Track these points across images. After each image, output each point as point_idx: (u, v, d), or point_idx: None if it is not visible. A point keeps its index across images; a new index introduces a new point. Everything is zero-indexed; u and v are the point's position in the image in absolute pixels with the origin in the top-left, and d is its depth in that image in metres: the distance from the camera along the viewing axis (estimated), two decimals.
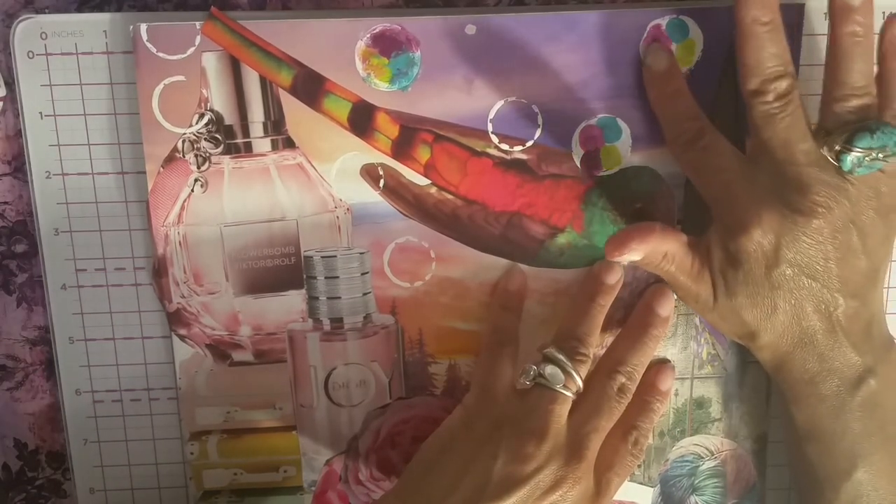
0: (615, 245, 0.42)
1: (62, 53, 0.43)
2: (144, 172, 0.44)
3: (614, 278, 0.44)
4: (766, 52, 0.40)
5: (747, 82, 0.40)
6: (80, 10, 0.45)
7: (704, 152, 0.41)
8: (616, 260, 0.42)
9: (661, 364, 0.46)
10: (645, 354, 0.44)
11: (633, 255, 0.42)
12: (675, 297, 0.45)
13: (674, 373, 0.47)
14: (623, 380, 0.43)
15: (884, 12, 0.43)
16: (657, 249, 0.42)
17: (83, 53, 0.44)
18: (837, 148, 0.39)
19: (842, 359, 0.41)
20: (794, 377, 0.42)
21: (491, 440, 0.41)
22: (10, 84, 0.44)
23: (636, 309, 0.45)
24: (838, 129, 0.39)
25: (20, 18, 0.43)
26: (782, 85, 0.40)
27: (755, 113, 0.40)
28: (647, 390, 0.45)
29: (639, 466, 0.48)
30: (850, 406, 0.41)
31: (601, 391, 0.42)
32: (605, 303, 0.44)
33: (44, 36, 0.43)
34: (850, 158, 0.39)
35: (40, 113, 0.44)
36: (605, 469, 0.42)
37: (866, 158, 0.39)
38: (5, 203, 0.46)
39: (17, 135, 0.45)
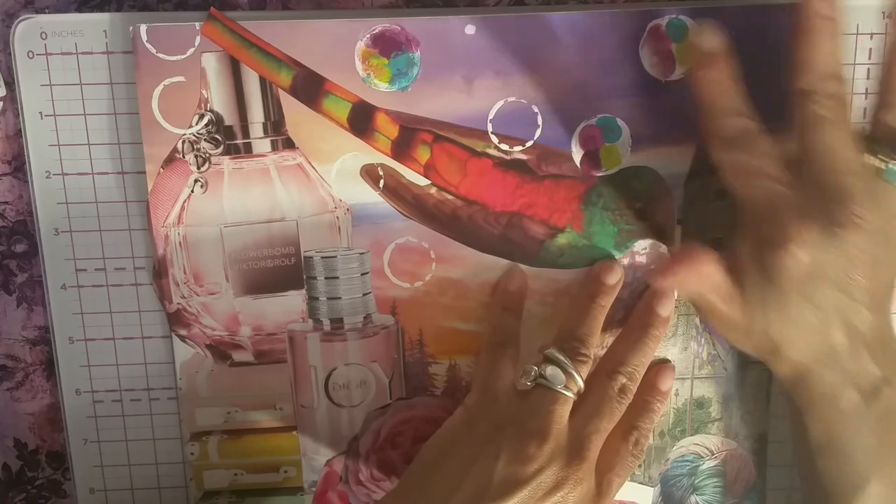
0: (666, 274, 0.41)
1: (62, 53, 0.43)
2: (144, 172, 0.44)
3: (615, 279, 0.44)
4: (823, 49, 0.38)
5: (799, 80, 0.39)
6: (80, 10, 0.45)
7: (748, 154, 0.40)
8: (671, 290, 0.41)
9: (661, 364, 0.46)
10: (645, 355, 0.44)
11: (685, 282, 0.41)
12: (678, 297, 0.45)
13: (674, 373, 0.46)
14: (624, 380, 0.43)
15: (883, 12, 0.43)
16: (700, 279, 0.41)
17: (83, 53, 0.44)
18: (886, 158, 0.38)
19: (863, 373, 0.40)
20: (814, 391, 0.41)
21: (492, 441, 0.41)
22: (10, 84, 0.44)
23: (636, 309, 0.45)
24: (886, 139, 0.39)
25: (20, 18, 0.43)
26: (834, 86, 0.38)
27: (803, 113, 0.39)
28: (648, 391, 0.45)
29: (639, 466, 0.48)
30: (868, 419, 0.41)
31: (602, 392, 0.42)
32: (606, 303, 0.44)
33: (44, 36, 0.43)
34: None
35: (40, 113, 0.44)
36: (606, 470, 0.42)
37: None
38: (5, 203, 0.46)
39: (17, 135, 0.45)
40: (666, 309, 0.44)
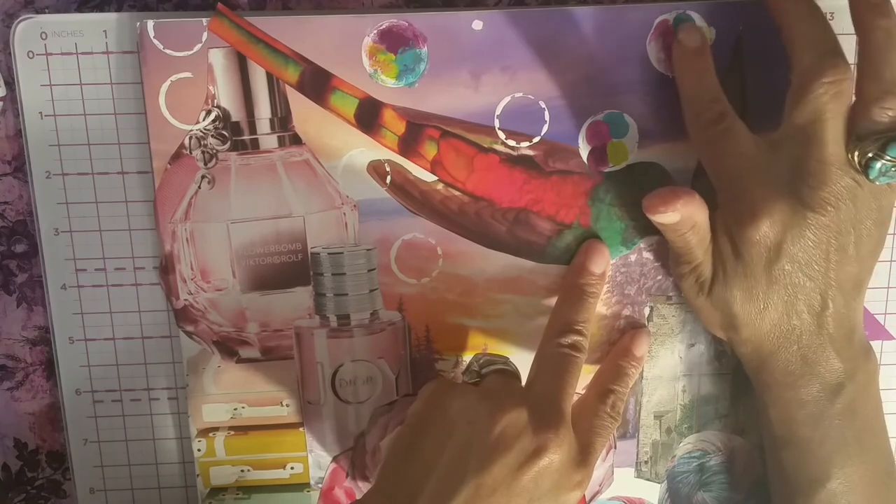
0: (661, 199, 0.41)
1: (62, 53, 0.43)
2: (145, 172, 0.44)
3: (601, 267, 0.44)
4: (829, 29, 0.39)
5: (801, 56, 0.40)
6: (80, 10, 0.44)
7: (723, 135, 0.41)
8: (655, 216, 0.41)
9: (636, 330, 0.46)
10: (588, 311, 0.43)
11: (672, 215, 0.41)
12: (679, 282, 0.45)
13: (649, 338, 0.46)
14: (573, 337, 0.42)
15: None
16: (693, 216, 0.41)
17: (83, 53, 0.44)
18: (870, 155, 0.38)
19: (824, 363, 0.41)
20: (776, 378, 0.42)
21: (463, 415, 0.40)
22: (10, 84, 0.44)
23: (570, 269, 0.45)
24: (872, 135, 0.39)
25: (20, 18, 0.43)
26: (840, 65, 0.39)
27: (804, 94, 0.39)
28: (622, 356, 0.45)
29: (646, 462, 0.48)
30: (829, 413, 0.42)
31: (554, 353, 0.42)
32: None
33: (44, 36, 0.43)
34: (879, 166, 0.38)
35: (40, 113, 0.44)
36: (587, 432, 0.42)
37: (893, 168, 0.38)
38: (5, 203, 0.46)
39: (17, 135, 0.45)
40: (599, 266, 0.44)
